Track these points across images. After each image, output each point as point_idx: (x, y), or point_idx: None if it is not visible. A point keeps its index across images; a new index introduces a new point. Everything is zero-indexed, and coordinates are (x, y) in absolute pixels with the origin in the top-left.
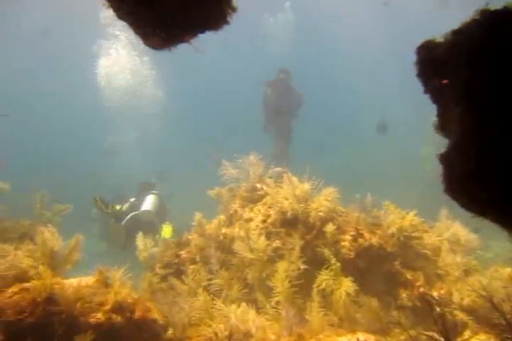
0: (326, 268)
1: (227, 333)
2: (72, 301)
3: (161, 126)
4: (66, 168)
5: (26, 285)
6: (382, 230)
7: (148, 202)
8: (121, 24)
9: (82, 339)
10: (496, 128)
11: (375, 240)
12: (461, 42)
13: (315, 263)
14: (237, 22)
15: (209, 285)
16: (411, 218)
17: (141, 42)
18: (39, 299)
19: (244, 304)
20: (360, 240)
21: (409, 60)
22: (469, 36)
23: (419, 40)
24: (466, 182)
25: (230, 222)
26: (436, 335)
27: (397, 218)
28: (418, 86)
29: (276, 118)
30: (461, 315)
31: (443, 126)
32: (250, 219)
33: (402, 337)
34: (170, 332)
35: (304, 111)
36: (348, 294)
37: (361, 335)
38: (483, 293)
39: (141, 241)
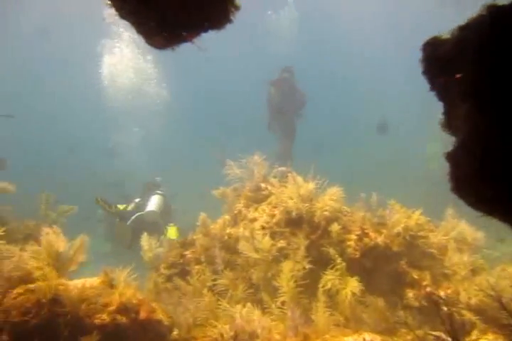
0: (332, 268)
1: (232, 333)
2: (77, 302)
3: (164, 125)
4: (66, 168)
5: (31, 286)
6: (388, 229)
7: (153, 203)
8: (125, 23)
9: None
10: (503, 125)
11: (380, 239)
12: (467, 38)
13: (320, 262)
14: (240, 20)
15: (214, 285)
16: (417, 217)
17: (143, 41)
18: (44, 300)
19: (249, 304)
20: (366, 239)
21: (415, 57)
22: (476, 32)
23: (425, 37)
24: (473, 181)
25: (234, 222)
26: (443, 335)
27: (403, 217)
28: (423, 84)
29: (280, 118)
30: (468, 315)
31: (449, 123)
32: (255, 219)
33: (409, 337)
34: (175, 332)
35: (305, 111)
36: (353, 294)
37: (367, 335)
38: (491, 293)
39: (145, 241)
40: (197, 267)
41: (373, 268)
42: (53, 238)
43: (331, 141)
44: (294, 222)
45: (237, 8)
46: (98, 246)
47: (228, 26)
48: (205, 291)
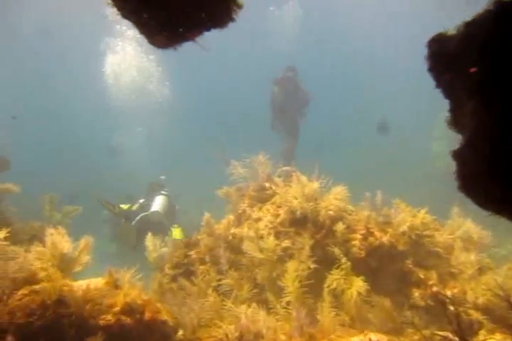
0: (337, 268)
1: (237, 334)
2: (82, 303)
3: (167, 124)
4: (67, 168)
5: (36, 287)
6: (393, 228)
7: (158, 203)
8: (127, 21)
9: None
10: (510, 122)
11: (385, 239)
12: (473, 34)
13: (325, 262)
14: (242, 17)
15: (219, 285)
16: (422, 216)
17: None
18: (49, 301)
19: (254, 304)
20: (371, 239)
21: (420, 55)
22: (482, 27)
23: (430, 35)
24: (480, 179)
25: (238, 222)
26: (450, 335)
27: (408, 216)
28: (429, 81)
29: (283, 117)
30: (475, 315)
31: (456, 121)
32: (259, 219)
33: (416, 337)
34: (180, 333)
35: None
36: (359, 294)
37: (374, 335)
38: (499, 292)
39: (150, 241)
40: (201, 267)
41: (379, 267)
42: (58, 239)
43: (333, 140)
44: (298, 222)
45: (239, 6)
46: (103, 246)
47: (231, 24)
48: (209, 291)
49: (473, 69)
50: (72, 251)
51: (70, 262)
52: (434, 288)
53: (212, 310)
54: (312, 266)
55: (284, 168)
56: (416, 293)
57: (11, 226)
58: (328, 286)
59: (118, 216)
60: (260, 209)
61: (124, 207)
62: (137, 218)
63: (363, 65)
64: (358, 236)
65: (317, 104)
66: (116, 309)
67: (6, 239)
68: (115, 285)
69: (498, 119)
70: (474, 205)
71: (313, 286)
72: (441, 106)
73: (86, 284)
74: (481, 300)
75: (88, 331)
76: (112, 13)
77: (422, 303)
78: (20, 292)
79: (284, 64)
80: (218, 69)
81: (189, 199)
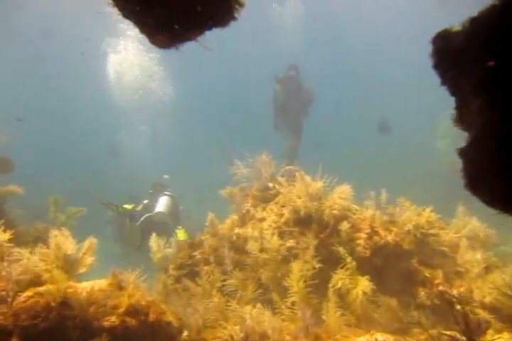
0: (342, 267)
1: (242, 335)
2: (86, 305)
3: (169, 123)
4: (67, 168)
5: (40, 289)
6: (398, 227)
7: (162, 204)
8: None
9: None
10: None
11: (390, 238)
12: (479, 29)
13: (330, 262)
14: (244, 15)
15: (223, 286)
16: (427, 215)
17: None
18: (53, 304)
19: (259, 305)
20: (376, 238)
21: (424, 53)
22: (488, 23)
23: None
24: (486, 178)
25: (242, 222)
26: (458, 335)
27: (413, 215)
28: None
29: (285, 116)
30: (483, 314)
31: (462, 118)
32: (263, 219)
33: (422, 337)
34: (185, 334)
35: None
36: (364, 293)
37: (380, 335)
38: (506, 291)
39: (154, 242)
40: (206, 268)
41: (384, 266)
42: (62, 240)
43: (335, 140)
44: (302, 221)
45: (241, 5)
46: (107, 247)
47: (232, 23)
48: (214, 292)
49: (492, 62)
50: (76, 253)
51: (74, 263)
52: (441, 287)
53: (217, 310)
54: (317, 265)
55: (287, 168)
56: (422, 293)
57: (15, 228)
58: (333, 286)
59: (122, 216)
60: (264, 209)
61: (128, 207)
62: (142, 219)
63: (364, 62)
64: (363, 235)
65: (318, 103)
66: (121, 310)
67: (10, 240)
68: (119, 287)
69: (505, 117)
70: (480, 203)
71: (318, 286)
72: (441, 106)
73: (90, 286)
74: (488, 299)
75: (92, 333)
76: (113, 12)
77: (429, 303)
78: (25, 294)
79: (286, 62)
80: (220, 68)
81: (192, 200)
